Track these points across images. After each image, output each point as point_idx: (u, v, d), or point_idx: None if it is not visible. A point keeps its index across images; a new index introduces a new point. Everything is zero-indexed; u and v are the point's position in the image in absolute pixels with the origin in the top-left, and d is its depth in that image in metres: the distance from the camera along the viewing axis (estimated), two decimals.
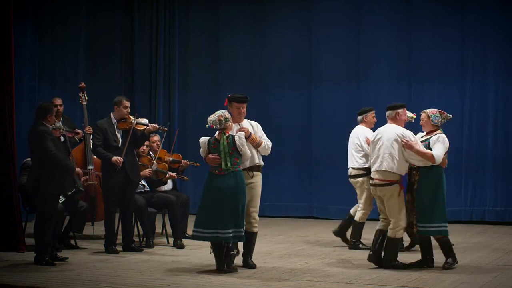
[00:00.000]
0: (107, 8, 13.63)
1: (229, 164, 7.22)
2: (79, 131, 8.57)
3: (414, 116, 8.51)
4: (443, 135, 7.48)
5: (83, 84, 9.73)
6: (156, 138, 9.50)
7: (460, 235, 9.96)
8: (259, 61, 13.01)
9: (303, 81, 12.69)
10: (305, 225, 11.59)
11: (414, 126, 8.29)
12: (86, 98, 9.68)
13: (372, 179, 7.55)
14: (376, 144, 7.52)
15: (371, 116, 8.98)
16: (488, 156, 11.48)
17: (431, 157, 7.32)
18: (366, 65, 12.21)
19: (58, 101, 9.74)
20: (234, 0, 13.25)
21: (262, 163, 7.70)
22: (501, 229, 10.66)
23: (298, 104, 12.71)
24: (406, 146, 7.34)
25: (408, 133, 7.45)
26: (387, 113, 7.64)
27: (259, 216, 7.58)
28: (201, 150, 7.42)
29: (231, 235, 7.12)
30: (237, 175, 7.25)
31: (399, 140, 7.38)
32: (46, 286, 6.64)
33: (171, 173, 9.31)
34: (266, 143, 7.64)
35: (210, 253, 7.32)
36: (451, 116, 7.68)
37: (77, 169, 8.18)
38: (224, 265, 7.21)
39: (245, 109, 7.64)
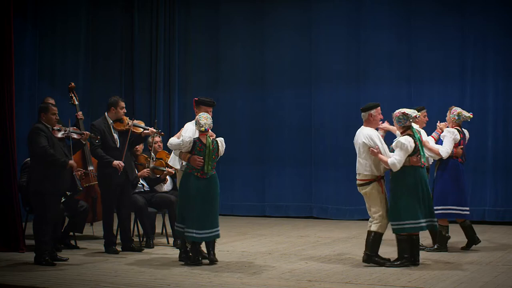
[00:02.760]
0: (107, 8, 13.64)
1: (210, 168, 7.63)
2: (86, 132, 8.45)
3: (471, 116, 8.61)
4: (404, 140, 7.48)
5: (72, 84, 9.62)
6: (158, 139, 9.50)
7: (460, 235, 9.94)
8: (259, 61, 13.01)
9: (303, 81, 12.68)
10: (305, 225, 11.59)
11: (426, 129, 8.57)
12: (77, 98, 9.61)
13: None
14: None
15: (422, 115, 8.79)
16: (488, 156, 11.48)
17: (386, 164, 7.49)
18: (366, 65, 12.21)
19: (50, 101, 9.61)
20: (234, 0, 13.24)
21: None
22: (501, 229, 10.66)
23: (298, 104, 12.71)
24: (372, 153, 7.52)
25: (375, 136, 7.57)
26: (362, 115, 7.70)
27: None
28: (180, 144, 7.61)
29: (215, 233, 7.71)
30: (216, 177, 7.76)
31: (367, 143, 7.54)
32: (46, 286, 6.64)
33: (168, 169, 9.29)
34: None
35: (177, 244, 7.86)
36: (416, 114, 7.71)
37: (71, 162, 7.85)
38: (202, 257, 7.73)
39: (211, 113, 7.90)
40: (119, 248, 8.63)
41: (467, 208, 8.69)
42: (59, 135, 7.86)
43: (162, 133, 9.17)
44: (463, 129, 8.77)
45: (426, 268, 7.42)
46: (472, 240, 8.70)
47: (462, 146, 8.60)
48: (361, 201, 12.18)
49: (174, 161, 8.06)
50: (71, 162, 7.87)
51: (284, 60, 12.83)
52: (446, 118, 8.77)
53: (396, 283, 6.67)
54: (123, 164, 8.44)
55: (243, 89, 13.08)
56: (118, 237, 8.82)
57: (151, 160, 9.24)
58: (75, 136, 8.11)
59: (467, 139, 8.87)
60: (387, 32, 12.04)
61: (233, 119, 12.91)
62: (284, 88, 12.80)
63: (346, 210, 12.10)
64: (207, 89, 12.89)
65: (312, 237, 10.09)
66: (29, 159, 8.34)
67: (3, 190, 8.62)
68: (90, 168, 9.52)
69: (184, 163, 7.78)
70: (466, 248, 8.70)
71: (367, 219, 7.71)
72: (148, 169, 9.18)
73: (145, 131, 8.74)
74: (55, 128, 7.83)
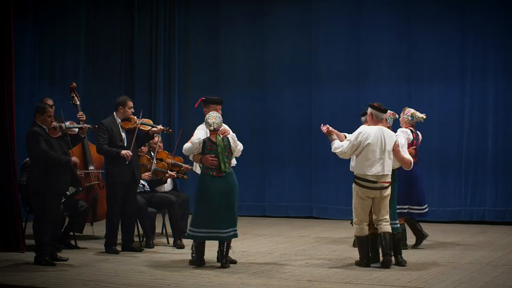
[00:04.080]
0: (107, 8, 13.62)
1: (226, 165, 7.56)
2: (85, 125, 8.46)
3: (425, 117, 8.63)
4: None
5: (74, 84, 9.61)
6: (157, 138, 9.49)
7: (460, 235, 9.97)
8: (259, 61, 13.00)
9: (303, 81, 12.67)
10: (305, 225, 11.59)
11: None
12: (79, 97, 9.61)
13: (375, 182, 7.43)
14: (375, 146, 7.48)
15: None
16: (488, 156, 11.48)
17: (409, 163, 7.66)
18: (366, 65, 12.20)
19: (49, 102, 9.56)
20: (234, 0, 13.23)
21: (236, 162, 8.03)
22: (501, 229, 10.66)
23: (298, 104, 12.70)
24: (395, 150, 7.56)
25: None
26: (380, 114, 7.61)
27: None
28: (191, 148, 7.62)
29: (232, 233, 7.54)
30: (232, 175, 7.67)
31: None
32: (46, 286, 6.65)
33: (170, 172, 9.31)
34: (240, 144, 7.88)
35: (192, 251, 7.67)
36: (396, 115, 8.23)
37: (74, 158, 7.89)
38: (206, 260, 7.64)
39: (220, 111, 7.87)
40: (119, 248, 8.63)
41: (425, 206, 8.78)
42: (57, 134, 7.85)
43: (170, 130, 9.18)
44: (417, 131, 8.87)
45: (426, 268, 7.42)
46: (421, 236, 8.75)
47: (414, 147, 8.64)
48: None
49: (195, 166, 8.09)
50: (74, 158, 7.93)
51: (284, 60, 12.82)
52: (400, 119, 8.79)
53: (396, 283, 6.67)
54: (131, 153, 8.46)
55: (243, 89, 13.07)
56: (119, 236, 8.82)
57: (153, 162, 9.24)
58: (72, 132, 8.13)
59: (420, 140, 8.94)
60: (387, 32, 12.04)
61: (233, 119, 12.86)
62: (284, 88, 12.80)
63: (346, 210, 12.03)
64: (207, 89, 12.87)
65: (312, 237, 10.10)
66: (28, 159, 8.35)
67: (3, 190, 8.62)
68: (91, 167, 9.52)
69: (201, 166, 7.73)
70: (416, 245, 8.67)
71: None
72: (150, 173, 9.18)
73: (153, 129, 8.77)
74: (51, 127, 7.82)
